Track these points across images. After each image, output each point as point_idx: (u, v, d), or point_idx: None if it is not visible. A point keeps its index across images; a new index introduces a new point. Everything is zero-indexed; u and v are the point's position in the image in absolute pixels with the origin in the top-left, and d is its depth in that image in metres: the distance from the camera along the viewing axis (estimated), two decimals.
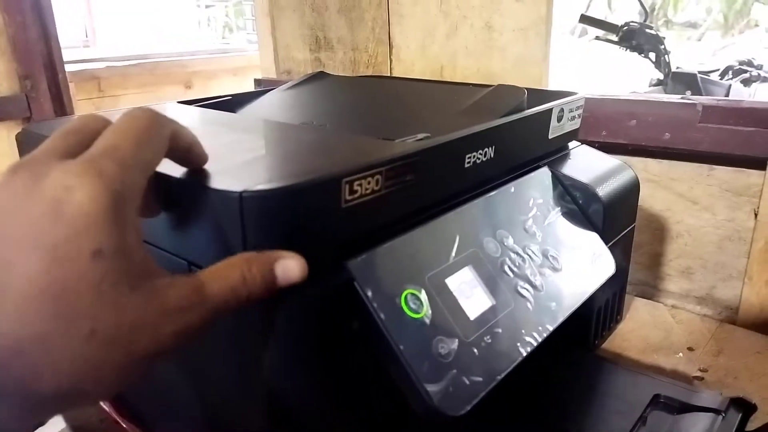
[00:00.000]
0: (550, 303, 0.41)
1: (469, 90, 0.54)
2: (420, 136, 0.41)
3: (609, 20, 2.34)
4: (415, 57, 0.89)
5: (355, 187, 0.31)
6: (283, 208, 0.28)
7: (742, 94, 2.33)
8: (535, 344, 0.38)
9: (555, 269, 0.43)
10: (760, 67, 2.48)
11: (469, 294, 0.37)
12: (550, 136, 0.50)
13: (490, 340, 0.35)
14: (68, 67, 1.46)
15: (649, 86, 2.47)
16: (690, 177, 0.69)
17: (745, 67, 2.48)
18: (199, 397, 0.38)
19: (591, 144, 0.59)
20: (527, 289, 0.40)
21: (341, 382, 0.34)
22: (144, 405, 0.46)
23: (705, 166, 0.68)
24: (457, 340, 0.34)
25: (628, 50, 2.28)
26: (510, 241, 0.42)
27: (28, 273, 0.21)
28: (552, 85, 0.80)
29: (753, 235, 0.66)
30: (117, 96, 1.89)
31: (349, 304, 0.32)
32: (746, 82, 2.43)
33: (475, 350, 0.34)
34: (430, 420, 0.31)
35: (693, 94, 2.11)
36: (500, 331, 0.37)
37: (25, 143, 0.43)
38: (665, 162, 0.70)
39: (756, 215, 0.66)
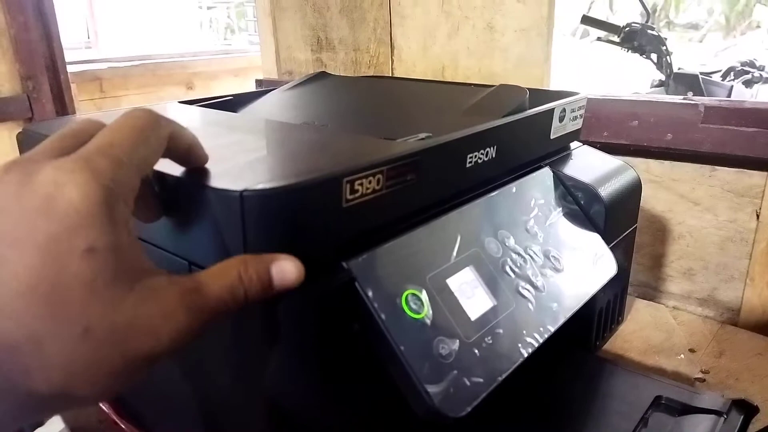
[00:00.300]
0: (552, 304, 0.41)
1: (471, 90, 0.54)
2: (421, 135, 0.41)
3: (610, 21, 2.34)
4: (417, 57, 0.89)
5: (356, 187, 0.31)
6: (284, 207, 0.28)
7: (743, 95, 2.32)
8: (536, 345, 0.37)
9: (556, 270, 0.43)
10: (761, 68, 2.48)
11: (470, 294, 0.36)
12: (552, 136, 0.50)
13: (491, 341, 0.35)
14: (70, 68, 1.46)
15: (651, 87, 2.47)
16: (692, 178, 0.69)
17: (746, 68, 2.47)
18: (198, 398, 0.38)
19: (593, 144, 0.59)
20: (528, 290, 0.40)
21: (341, 383, 0.34)
22: (143, 406, 0.46)
23: (707, 167, 0.68)
24: (458, 340, 0.34)
25: (630, 51, 2.28)
26: (511, 242, 0.42)
27: (19, 270, 0.20)
28: (554, 86, 0.80)
29: (755, 236, 0.66)
30: (119, 97, 1.89)
31: (349, 305, 0.32)
32: (748, 83, 2.43)
33: (476, 351, 0.34)
34: (430, 421, 0.31)
35: (695, 95, 2.10)
36: (501, 331, 0.36)
37: (26, 143, 0.43)
38: (667, 163, 0.70)
39: (758, 216, 0.65)
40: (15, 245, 0.21)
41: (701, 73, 2.29)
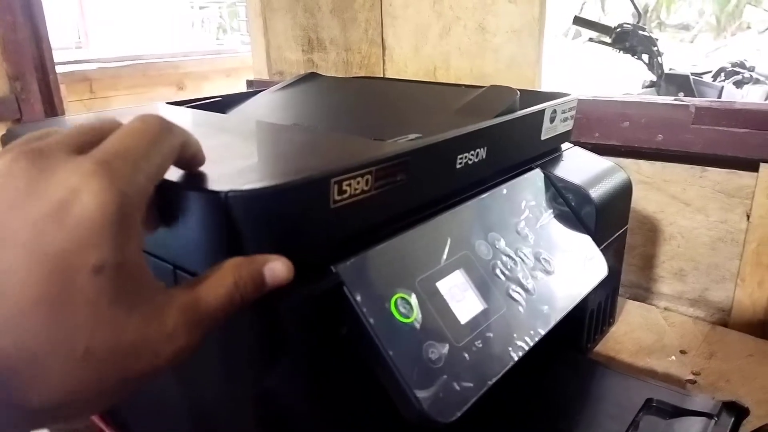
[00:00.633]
0: (542, 306, 0.40)
1: (462, 91, 0.54)
2: (411, 136, 0.41)
3: (602, 22, 2.35)
4: (408, 58, 0.89)
5: (344, 188, 0.30)
6: (270, 208, 0.28)
7: (734, 95, 2.34)
8: (526, 348, 0.37)
9: (547, 272, 0.43)
10: (752, 69, 2.50)
11: (460, 298, 0.36)
12: (542, 137, 0.50)
13: (481, 345, 0.35)
14: (59, 69, 1.45)
15: (643, 88, 2.48)
16: (683, 178, 0.69)
17: (737, 69, 2.49)
18: (187, 404, 0.37)
19: (584, 146, 0.59)
20: (519, 293, 0.40)
21: (330, 388, 0.34)
22: (130, 412, 0.46)
23: (698, 168, 0.68)
24: (447, 344, 0.33)
25: (621, 52, 2.29)
26: (502, 244, 0.41)
27: (24, 281, 0.19)
28: (546, 87, 0.80)
29: (745, 236, 0.66)
30: (108, 97, 1.88)
31: (337, 309, 0.31)
32: (738, 84, 2.45)
33: (466, 355, 0.34)
34: (420, 426, 0.31)
35: (686, 95, 2.11)
36: (491, 335, 0.36)
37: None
38: (658, 163, 0.70)
39: (748, 217, 0.66)
40: (22, 252, 0.19)
41: (692, 74, 2.31)
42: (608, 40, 2.27)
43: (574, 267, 0.45)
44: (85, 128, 0.24)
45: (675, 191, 0.70)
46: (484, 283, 0.38)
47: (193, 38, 5.33)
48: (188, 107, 0.53)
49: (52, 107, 1.41)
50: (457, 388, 0.32)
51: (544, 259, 0.43)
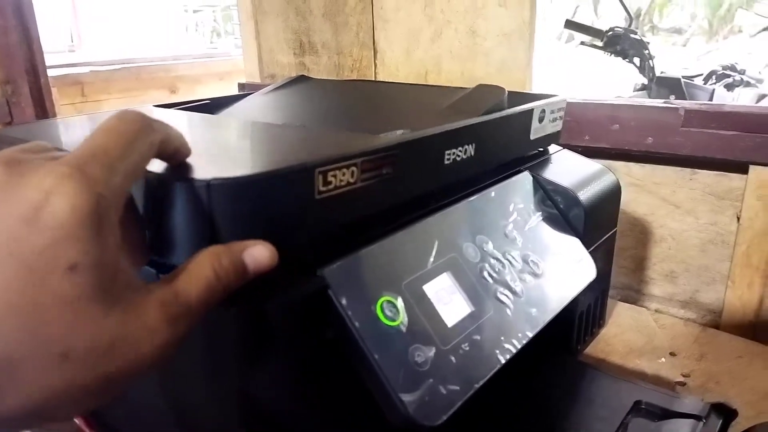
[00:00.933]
0: (530, 309, 0.40)
1: (450, 91, 0.54)
2: (399, 132, 0.41)
3: (595, 26, 2.36)
4: (400, 61, 0.89)
5: (330, 178, 0.30)
6: (254, 197, 0.27)
7: (725, 98, 2.35)
8: (514, 351, 0.37)
9: (535, 275, 0.43)
10: (742, 72, 2.52)
11: (447, 301, 0.36)
12: (531, 137, 0.50)
13: (468, 348, 0.35)
14: (51, 72, 1.44)
15: (634, 91, 2.49)
16: (673, 181, 0.70)
17: (728, 72, 2.51)
18: (172, 406, 0.37)
19: (574, 148, 0.59)
20: (507, 295, 0.40)
21: (316, 392, 0.33)
22: (115, 415, 0.45)
23: (687, 170, 0.68)
24: (434, 348, 0.33)
25: (613, 55, 2.30)
26: (490, 247, 0.41)
27: (0, 284, 0.19)
28: (537, 90, 0.80)
29: (735, 238, 0.66)
30: (100, 101, 1.87)
31: (323, 313, 0.31)
32: (729, 87, 2.47)
33: (453, 358, 0.34)
34: (405, 430, 0.31)
35: (677, 98, 2.12)
36: (479, 338, 0.36)
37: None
38: (648, 166, 0.71)
39: (738, 219, 0.66)
40: None
41: (683, 77, 2.32)
42: (600, 43, 2.28)
43: (562, 269, 0.45)
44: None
45: (665, 193, 0.70)
46: (472, 285, 0.38)
47: (187, 42, 5.32)
48: (176, 110, 0.53)
49: (44, 111, 1.40)
50: (444, 391, 0.32)
51: (532, 261, 0.43)
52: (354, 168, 0.31)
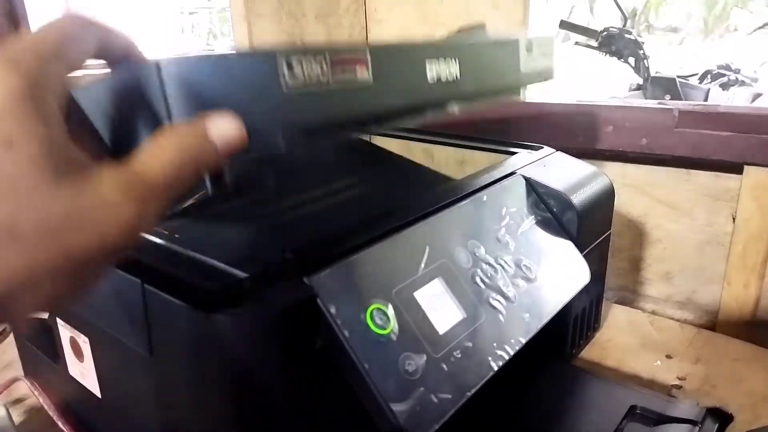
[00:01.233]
0: (523, 314, 0.40)
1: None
2: None
3: (591, 26, 2.37)
4: None
5: (296, 70, 0.27)
6: (211, 80, 0.25)
7: (720, 98, 2.36)
8: (507, 358, 0.37)
9: (528, 279, 0.42)
10: (737, 71, 2.52)
11: (439, 307, 0.36)
12: (522, 69, 0.46)
13: (459, 355, 0.34)
14: None
15: (629, 91, 2.49)
16: (668, 182, 0.69)
17: (723, 71, 2.51)
18: (158, 417, 0.37)
19: (568, 151, 0.59)
20: (499, 301, 0.39)
21: (305, 402, 0.33)
22: (102, 425, 0.45)
23: (683, 171, 0.68)
24: (425, 356, 0.33)
25: (608, 55, 2.31)
26: (482, 252, 0.41)
27: None
28: (532, 89, 0.79)
29: (731, 239, 0.66)
30: None
31: (311, 322, 0.31)
32: (724, 86, 2.47)
33: (444, 366, 0.33)
34: None
35: (672, 98, 2.13)
36: (471, 345, 0.36)
37: None
38: (643, 167, 0.70)
39: (734, 219, 0.66)
40: None
41: (678, 77, 2.32)
42: (594, 43, 2.28)
43: (556, 274, 0.45)
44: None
45: (660, 194, 0.70)
46: (464, 291, 0.38)
47: (183, 43, 5.31)
48: None
49: None
50: (435, 400, 0.32)
51: (525, 266, 0.43)
52: (322, 60, 0.28)
